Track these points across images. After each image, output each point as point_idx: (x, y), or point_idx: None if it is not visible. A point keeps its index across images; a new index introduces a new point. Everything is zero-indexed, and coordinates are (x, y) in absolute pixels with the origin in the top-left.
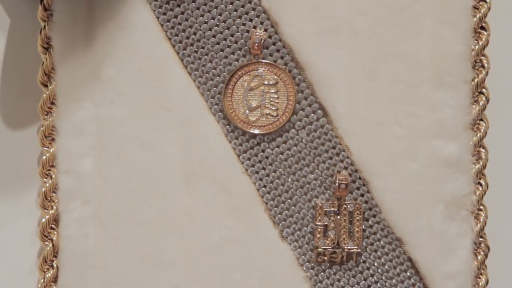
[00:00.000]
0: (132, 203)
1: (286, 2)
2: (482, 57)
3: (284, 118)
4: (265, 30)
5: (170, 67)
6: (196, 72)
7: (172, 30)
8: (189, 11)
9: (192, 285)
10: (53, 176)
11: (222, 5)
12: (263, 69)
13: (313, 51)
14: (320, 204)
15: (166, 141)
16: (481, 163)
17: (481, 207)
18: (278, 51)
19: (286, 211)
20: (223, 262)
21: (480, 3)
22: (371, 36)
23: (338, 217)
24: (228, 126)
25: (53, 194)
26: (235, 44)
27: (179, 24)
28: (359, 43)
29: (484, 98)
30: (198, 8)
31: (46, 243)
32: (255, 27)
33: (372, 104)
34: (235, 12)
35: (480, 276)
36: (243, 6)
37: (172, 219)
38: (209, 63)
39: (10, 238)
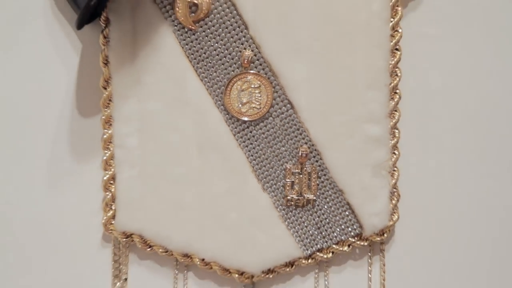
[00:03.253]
0: (163, 167)
1: (265, 32)
2: (396, 69)
3: (265, 109)
4: (252, 50)
5: (188, 75)
6: (205, 79)
7: (190, 50)
8: (200, 37)
9: (204, 221)
10: (111, 149)
11: (223, 34)
12: (251, 77)
13: (283, 65)
14: (289, 167)
15: (186, 125)
16: (395, 139)
17: (395, 169)
18: (260, 64)
19: (266, 172)
20: (224, 206)
21: (395, 33)
22: (324, 54)
23: (301, 176)
24: (227, 115)
25: (111, 161)
26: (232, 60)
27: (194, 46)
28: (315, 59)
29: (397, 96)
30: (207, 36)
31: (107, 193)
32: (245, 49)
33: (324, 100)
34: (231, 39)
35: (393, 214)
36: (237, 35)
37: (189, 177)
38: (214, 73)
39: (85, 190)
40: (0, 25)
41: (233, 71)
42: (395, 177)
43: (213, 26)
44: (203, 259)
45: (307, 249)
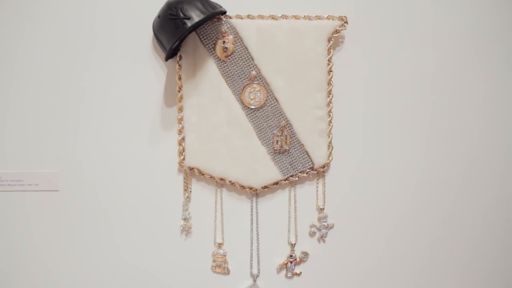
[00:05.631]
0: (209, 133)
1: (262, 62)
2: (331, 81)
3: (262, 102)
4: (255, 71)
5: (222, 84)
6: (231, 86)
7: (223, 71)
8: (229, 65)
9: (230, 161)
10: (182, 123)
11: (240, 62)
12: (255, 85)
13: (272, 78)
14: (275, 132)
15: (221, 111)
16: (330, 117)
17: (330, 133)
18: (260, 79)
19: (264, 135)
20: (241, 153)
21: (329, 62)
22: (292, 73)
23: (281, 137)
24: (242, 105)
25: (183, 129)
26: (245, 76)
27: (226, 69)
28: (288, 75)
29: (331, 95)
30: (232, 64)
31: (180, 146)
32: (252, 71)
33: (293, 97)
34: (244, 65)
35: (329, 156)
36: (247, 63)
37: (223, 138)
38: (236, 83)
39: (169, 144)
40: (126, 61)
41: (245, 82)
42: (330, 137)
43: (235, 58)
44: (230, 181)
45: (285, 175)
